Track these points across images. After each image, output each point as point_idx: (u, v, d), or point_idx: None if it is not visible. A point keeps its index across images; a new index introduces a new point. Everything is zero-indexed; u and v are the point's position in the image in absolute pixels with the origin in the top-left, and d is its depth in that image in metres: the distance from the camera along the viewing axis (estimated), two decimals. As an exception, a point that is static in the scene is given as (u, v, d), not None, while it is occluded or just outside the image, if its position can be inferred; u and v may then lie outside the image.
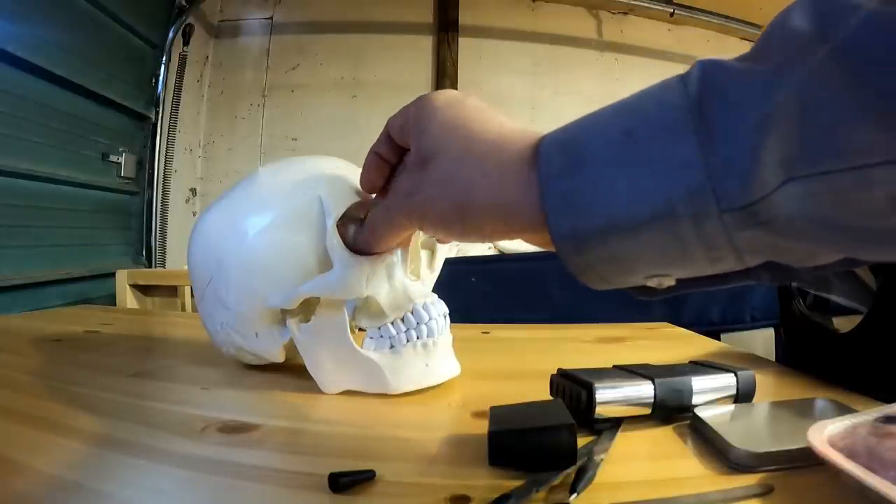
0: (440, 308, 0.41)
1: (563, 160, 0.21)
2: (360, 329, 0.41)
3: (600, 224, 0.20)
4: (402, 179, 0.30)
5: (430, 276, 0.43)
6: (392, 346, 0.39)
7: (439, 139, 0.26)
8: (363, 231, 0.34)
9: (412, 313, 0.39)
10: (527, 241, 0.27)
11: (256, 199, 0.40)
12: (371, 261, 0.38)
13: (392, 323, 0.39)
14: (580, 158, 0.21)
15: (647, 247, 0.20)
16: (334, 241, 0.37)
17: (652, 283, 0.22)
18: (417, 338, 0.39)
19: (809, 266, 0.21)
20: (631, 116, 0.21)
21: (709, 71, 0.19)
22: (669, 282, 0.22)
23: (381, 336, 0.39)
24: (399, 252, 0.40)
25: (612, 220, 0.20)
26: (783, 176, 0.17)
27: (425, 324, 0.39)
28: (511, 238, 0.26)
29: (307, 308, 0.40)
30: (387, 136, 0.30)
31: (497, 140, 0.24)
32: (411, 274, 0.41)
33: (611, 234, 0.20)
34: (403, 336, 0.39)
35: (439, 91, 0.28)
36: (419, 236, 0.42)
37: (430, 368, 0.40)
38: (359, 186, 0.40)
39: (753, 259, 0.20)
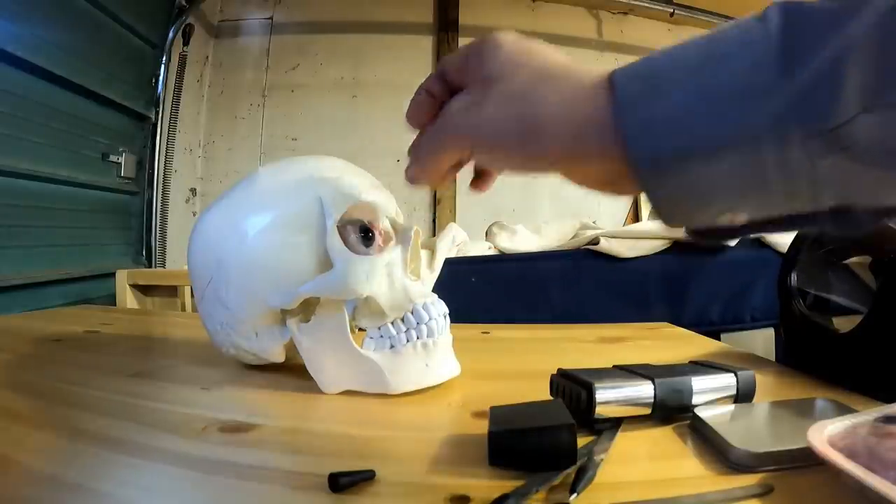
0: (440, 308, 0.41)
1: (641, 86, 0.21)
2: (360, 329, 0.41)
3: (681, 146, 0.20)
4: (455, 100, 0.26)
5: (430, 276, 0.43)
6: (392, 346, 0.39)
7: (507, 64, 0.25)
8: (409, 165, 0.29)
9: (412, 313, 0.39)
10: (588, 176, 0.25)
11: (256, 199, 0.40)
12: (370, 260, 0.38)
13: (392, 323, 0.39)
14: (659, 85, 0.21)
15: (726, 174, 0.20)
16: (334, 241, 0.37)
17: (724, 220, 0.22)
18: (417, 338, 0.39)
19: (878, 207, 0.21)
20: (709, 51, 0.21)
21: (789, 8, 0.20)
22: (741, 218, 0.22)
23: (381, 336, 0.39)
24: (399, 252, 0.40)
25: (693, 142, 0.20)
26: (862, 103, 0.18)
27: (425, 324, 0.39)
28: (574, 169, 0.24)
29: (307, 308, 0.40)
30: (440, 74, 0.28)
31: (568, 68, 0.24)
32: (411, 274, 0.41)
33: (691, 157, 0.20)
34: (403, 336, 0.39)
35: (502, 32, 0.27)
36: (419, 236, 0.42)
37: (430, 368, 0.39)
38: (359, 186, 0.40)
39: (827, 195, 0.20)
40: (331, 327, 0.39)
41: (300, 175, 0.41)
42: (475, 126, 0.24)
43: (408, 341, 0.39)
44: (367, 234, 0.40)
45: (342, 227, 0.39)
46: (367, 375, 0.39)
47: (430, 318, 0.40)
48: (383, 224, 0.42)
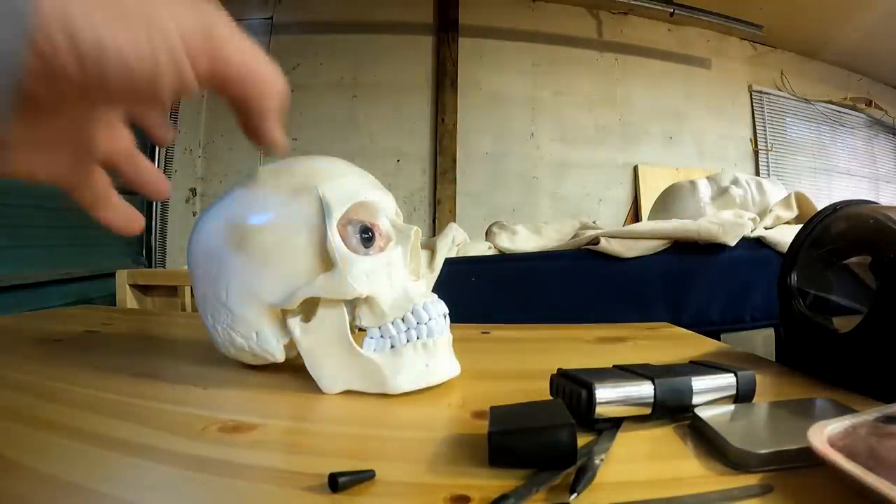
0: (440, 308, 0.41)
1: None
2: (361, 329, 0.41)
3: None
4: None
5: (430, 275, 0.43)
6: (392, 346, 0.39)
7: None
8: None
9: (412, 313, 0.39)
10: None
11: (258, 198, 0.40)
12: (371, 260, 0.38)
13: (392, 323, 0.39)
14: None
15: None
16: (335, 241, 0.37)
17: None
18: (417, 338, 0.39)
19: None
20: None
21: None
22: None
23: (382, 336, 0.39)
24: (399, 252, 0.40)
25: None
26: None
27: (425, 324, 0.39)
28: None
29: (307, 308, 0.40)
30: None
31: None
32: (411, 274, 0.41)
33: None
34: (404, 336, 0.39)
35: None
36: (419, 236, 0.42)
37: (430, 368, 0.39)
38: (359, 186, 0.40)
39: None
40: (331, 327, 0.39)
41: (301, 175, 0.41)
42: None
43: (408, 341, 0.39)
44: (367, 235, 0.40)
45: (342, 227, 0.39)
46: (367, 375, 0.39)
47: (430, 318, 0.39)
48: (383, 224, 0.42)
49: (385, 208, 0.42)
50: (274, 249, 0.39)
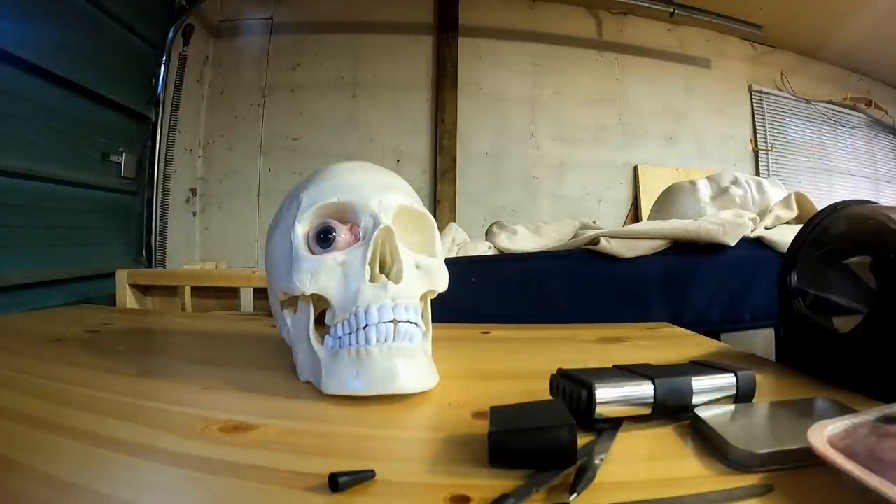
0: (392, 313, 0.38)
1: None
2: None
3: None
4: None
5: (420, 279, 0.41)
6: (339, 346, 0.39)
7: None
8: None
9: (354, 316, 0.38)
10: None
11: (283, 201, 0.45)
12: (319, 260, 0.39)
13: (341, 323, 0.39)
14: None
15: None
16: (295, 240, 0.39)
17: None
18: (350, 344, 0.38)
19: None
20: None
21: None
22: None
23: (331, 336, 0.39)
24: (360, 252, 0.39)
25: None
26: None
27: (362, 329, 0.38)
28: None
29: (293, 301, 0.43)
30: None
31: None
32: (388, 276, 0.40)
33: None
34: (346, 339, 0.38)
35: None
36: (391, 234, 0.40)
37: (360, 378, 0.37)
38: (334, 189, 0.41)
39: None
40: (299, 321, 0.42)
41: (302, 179, 0.44)
42: None
43: (349, 345, 0.38)
44: (323, 235, 0.40)
45: (314, 228, 0.41)
46: (316, 371, 0.39)
47: (366, 324, 0.37)
48: (364, 224, 0.40)
49: (365, 208, 0.40)
50: (273, 247, 0.43)
